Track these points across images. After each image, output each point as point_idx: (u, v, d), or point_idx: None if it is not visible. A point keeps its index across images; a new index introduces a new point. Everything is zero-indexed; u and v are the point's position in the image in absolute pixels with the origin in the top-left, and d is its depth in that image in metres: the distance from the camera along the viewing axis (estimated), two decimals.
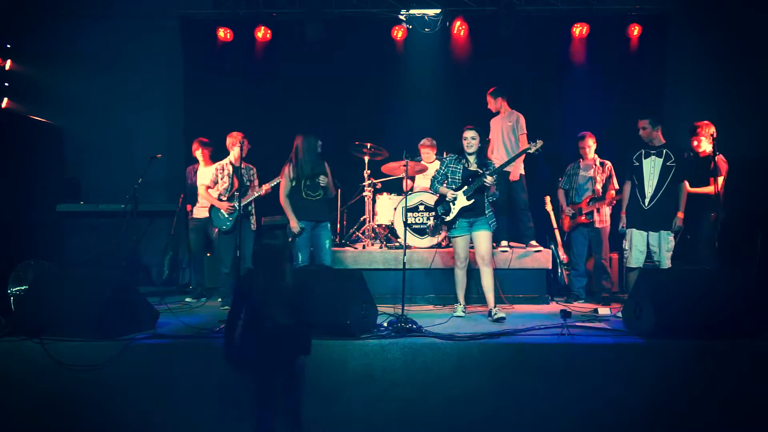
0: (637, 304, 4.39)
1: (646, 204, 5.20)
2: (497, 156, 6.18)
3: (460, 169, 5.28)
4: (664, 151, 5.21)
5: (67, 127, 7.27)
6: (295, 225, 5.58)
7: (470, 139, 5.22)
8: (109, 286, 4.41)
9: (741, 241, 5.75)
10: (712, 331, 4.08)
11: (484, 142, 5.30)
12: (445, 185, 5.35)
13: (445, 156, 5.42)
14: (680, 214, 5.17)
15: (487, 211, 5.22)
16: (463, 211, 5.21)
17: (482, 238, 5.22)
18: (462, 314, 5.21)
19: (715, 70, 7.34)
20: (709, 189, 5.42)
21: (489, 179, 5.10)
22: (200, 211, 6.37)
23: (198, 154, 6.50)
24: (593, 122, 6.94)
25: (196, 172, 6.49)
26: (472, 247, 5.34)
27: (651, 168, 5.22)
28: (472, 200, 5.19)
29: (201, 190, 6.13)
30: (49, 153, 6.37)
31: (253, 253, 3.97)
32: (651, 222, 5.19)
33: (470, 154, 5.26)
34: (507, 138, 6.28)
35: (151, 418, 4.02)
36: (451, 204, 5.24)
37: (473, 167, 5.26)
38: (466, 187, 5.21)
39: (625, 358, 4.03)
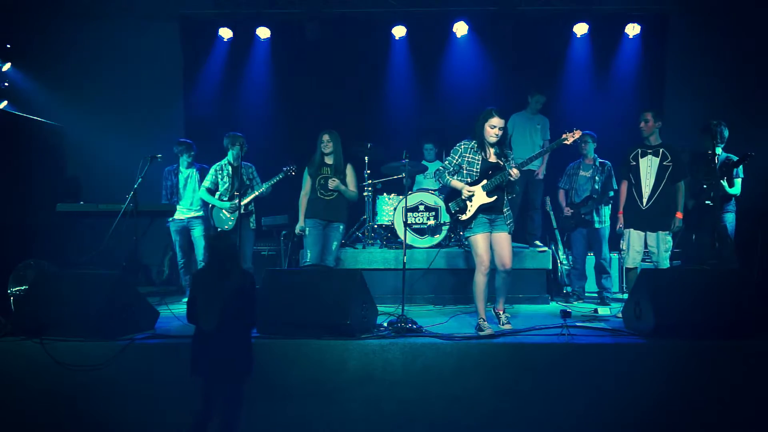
0: (637, 304, 4.38)
1: (644, 204, 5.19)
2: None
3: (478, 160, 4.56)
4: (661, 150, 5.19)
5: (67, 127, 7.26)
6: (298, 226, 5.66)
7: (498, 129, 4.47)
8: (109, 286, 4.41)
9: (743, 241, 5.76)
10: (712, 331, 4.08)
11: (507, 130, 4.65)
12: (456, 178, 4.66)
13: (459, 144, 4.67)
14: (679, 215, 5.16)
15: (505, 210, 4.62)
16: (481, 209, 4.55)
17: (504, 241, 4.59)
18: (490, 332, 4.39)
19: (715, 70, 7.34)
20: (734, 190, 5.51)
21: (515, 172, 4.45)
22: (180, 212, 6.37)
23: (181, 156, 6.50)
24: (593, 122, 6.93)
25: (176, 174, 6.48)
26: None
27: (648, 167, 5.20)
28: (494, 197, 4.51)
29: (201, 192, 6.14)
30: (49, 153, 6.37)
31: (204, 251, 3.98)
32: (649, 222, 5.18)
33: (492, 145, 4.59)
34: (530, 137, 6.36)
35: (151, 418, 4.02)
36: (467, 201, 4.57)
37: (493, 159, 4.57)
38: (485, 182, 4.52)
39: (625, 358, 4.03)
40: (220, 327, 3.41)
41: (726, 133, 5.59)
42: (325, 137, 5.66)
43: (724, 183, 5.47)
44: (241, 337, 3.53)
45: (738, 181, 5.56)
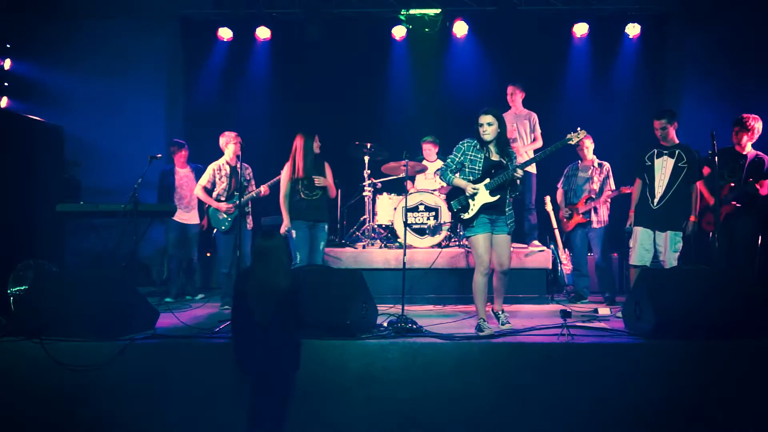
0: (637, 303, 4.38)
1: (655, 204, 5.14)
2: None
3: (480, 158, 4.56)
4: (677, 151, 5.14)
5: (67, 127, 7.26)
6: (284, 227, 5.56)
7: (486, 125, 4.48)
8: (109, 286, 4.41)
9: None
10: (712, 331, 4.07)
11: (503, 127, 4.61)
12: (459, 176, 4.64)
13: (462, 143, 4.67)
14: (693, 218, 5.14)
15: (507, 209, 4.63)
16: (484, 208, 4.55)
17: (504, 242, 4.62)
18: (490, 332, 4.41)
19: (715, 70, 7.35)
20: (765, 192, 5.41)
21: (519, 173, 4.48)
22: (180, 215, 6.38)
23: (176, 156, 6.51)
24: (593, 122, 6.93)
25: (172, 174, 6.48)
26: None
27: (662, 168, 5.16)
28: (497, 196, 4.52)
29: (198, 191, 6.14)
30: (49, 153, 6.35)
31: (251, 250, 3.92)
32: (659, 221, 5.13)
33: (489, 143, 4.57)
34: (525, 135, 6.35)
35: (151, 418, 4.02)
36: (469, 199, 4.57)
37: (495, 157, 4.58)
38: (488, 180, 4.52)
39: (625, 358, 4.02)
40: (271, 325, 3.39)
41: (760, 128, 5.46)
42: (317, 142, 5.63)
43: (757, 186, 5.35)
44: (289, 334, 3.50)
45: (766, 183, 5.40)
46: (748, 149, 5.52)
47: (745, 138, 5.47)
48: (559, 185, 6.50)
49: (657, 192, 5.14)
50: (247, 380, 3.50)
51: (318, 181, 5.54)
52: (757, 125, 5.46)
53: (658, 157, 5.19)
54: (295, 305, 3.50)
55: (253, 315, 3.41)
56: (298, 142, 5.60)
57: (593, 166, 6.26)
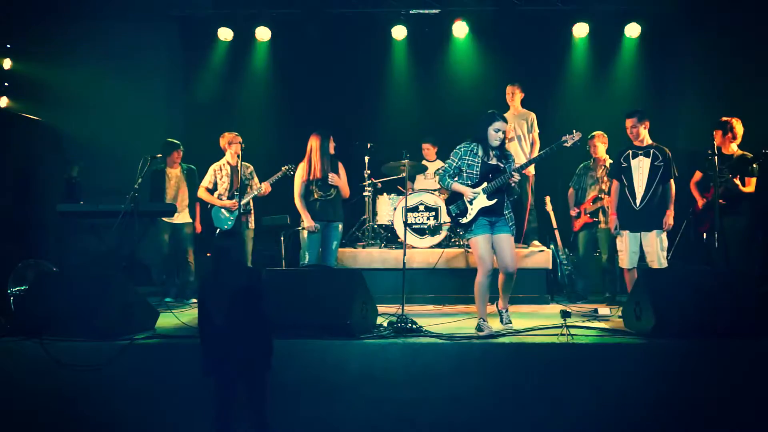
0: (637, 304, 4.39)
1: (637, 204, 5.20)
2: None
3: (478, 162, 4.55)
4: (652, 151, 5.22)
5: (67, 127, 7.28)
6: (310, 225, 5.49)
7: (502, 132, 4.52)
8: (108, 286, 4.41)
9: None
10: (712, 331, 4.08)
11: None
12: (457, 180, 4.64)
13: (459, 147, 4.66)
14: (669, 212, 5.17)
15: (506, 212, 4.61)
16: (482, 212, 4.56)
17: (506, 242, 4.56)
18: (490, 332, 4.41)
19: (716, 70, 7.34)
20: (748, 189, 5.46)
21: (516, 177, 4.48)
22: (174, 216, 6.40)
23: (168, 157, 6.53)
24: (593, 122, 6.94)
25: (163, 175, 6.49)
26: None
27: (639, 168, 5.22)
28: (494, 200, 4.51)
29: (200, 193, 6.14)
30: (49, 153, 6.38)
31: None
32: (643, 222, 5.19)
33: (493, 148, 4.59)
34: (524, 135, 6.35)
35: (151, 418, 4.02)
36: (468, 204, 4.58)
37: (493, 161, 4.58)
38: (485, 185, 4.52)
39: (625, 358, 4.02)
40: (231, 326, 3.38)
41: (740, 129, 5.58)
42: (332, 143, 5.62)
43: (737, 182, 5.44)
44: (255, 334, 3.47)
45: (753, 180, 5.48)
46: (733, 149, 5.62)
47: (727, 139, 5.59)
48: (571, 183, 6.48)
49: (638, 193, 5.19)
50: (212, 382, 3.48)
51: (332, 178, 5.48)
52: (738, 126, 5.58)
53: (633, 158, 5.25)
54: (256, 305, 3.47)
55: (214, 316, 3.41)
56: (314, 143, 5.52)
57: (603, 166, 6.24)
